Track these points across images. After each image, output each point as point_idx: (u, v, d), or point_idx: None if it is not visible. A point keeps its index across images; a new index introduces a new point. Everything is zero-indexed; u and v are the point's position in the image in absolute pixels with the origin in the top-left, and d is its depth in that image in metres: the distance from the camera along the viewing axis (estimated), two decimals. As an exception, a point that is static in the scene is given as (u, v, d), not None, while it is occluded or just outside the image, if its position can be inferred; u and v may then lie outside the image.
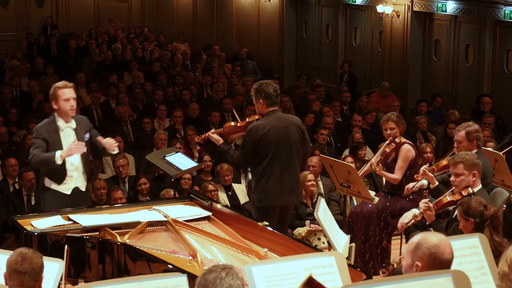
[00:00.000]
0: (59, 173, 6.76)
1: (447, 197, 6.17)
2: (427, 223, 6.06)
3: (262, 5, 18.39)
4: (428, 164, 7.78)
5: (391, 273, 5.49)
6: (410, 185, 7.28)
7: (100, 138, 6.93)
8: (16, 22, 19.60)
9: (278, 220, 6.81)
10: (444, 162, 7.14)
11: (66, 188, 6.81)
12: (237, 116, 7.29)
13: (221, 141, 7.01)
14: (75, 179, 6.84)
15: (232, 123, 7.10)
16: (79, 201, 6.80)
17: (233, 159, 6.97)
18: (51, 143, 6.73)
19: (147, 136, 11.04)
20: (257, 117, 6.86)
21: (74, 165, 6.82)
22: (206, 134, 7.08)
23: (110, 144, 6.87)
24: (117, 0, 21.10)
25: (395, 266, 5.18)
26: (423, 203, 6.11)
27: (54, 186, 6.79)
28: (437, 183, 6.91)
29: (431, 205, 5.99)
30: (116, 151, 7.01)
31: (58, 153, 6.63)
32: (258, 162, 6.77)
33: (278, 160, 6.72)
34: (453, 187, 6.22)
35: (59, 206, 6.62)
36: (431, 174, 6.94)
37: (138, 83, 14.33)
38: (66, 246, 5.18)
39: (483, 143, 7.07)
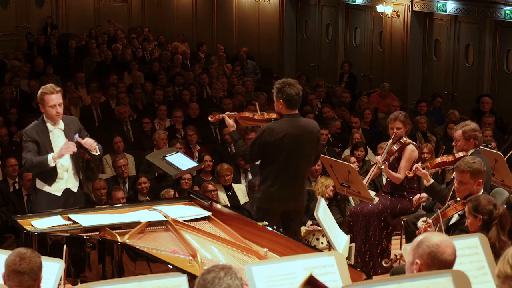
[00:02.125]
0: (50, 175, 6.74)
1: (453, 209, 6.10)
2: None
3: (262, 5, 18.39)
4: (420, 162, 7.77)
5: (393, 264, 5.47)
6: (417, 196, 7.31)
7: (79, 140, 6.79)
8: (16, 22, 19.60)
9: (283, 225, 6.77)
10: (438, 160, 7.12)
11: (56, 189, 6.78)
12: (257, 108, 7.08)
13: (234, 127, 6.86)
14: (65, 180, 6.81)
15: (248, 114, 6.90)
16: (71, 202, 6.78)
17: (240, 151, 6.83)
18: (41, 145, 6.71)
19: (147, 136, 11.04)
20: (275, 116, 6.69)
21: (64, 166, 6.79)
22: (222, 116, 6.93)
23: (89, 144, 6.78)
24: (117, 0, 21.10)
25: (397, 257, 5.17)
26: (422, 222, 6.03)
27: (45, 188, 6.77)
28: (431, 180, 6.89)
29: (429, 220, 5.93)
30: (98, 152, 6.87)
31: (50, 156, 6.62)
32: (267, 164, 6.64)
33: (287, 166, 6.58)
34: (456, 194, 6.16)
35: (51, 208, 6.59)
36: (424, 171, 6.94)
37: (138, 83, 14.33)
38: (65, 246, 5.18)
39: (481, 142, 7.04)
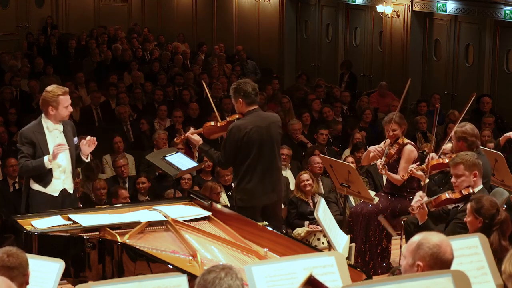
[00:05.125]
0: (45, 176, 6.66)
1: (446, 194, 6.11)
2: (419, 223, 6.02)
3: (262, 5, 18.39)
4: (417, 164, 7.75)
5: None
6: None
7: (80, 143, 6.79)
8: (16, 22, 19.59)
9: (267, 219, 6.77)
10: (434, 161, 7.12)
11: (53, 190, 6.71)
12: (217, 115, 7.14)
13: (200, 141, 6.93)
14: (63, 180, 6.75)
15: (212, 123, 7.00)
16: (67, 203, 6.72)
17: (214, 160, 6.92)
18: (37, 145, 6.65)
19: (146, 136, 11.05)
20: (237, 116, 6.81)
21: (62, 166, 6.73)
22: (185, 135, 7.02)
23: (92, 141, 6.73)
24: (117, 0, 21.09)
25: (395, 273, 5.17)
26: (417, 198, 6.05)
27: (41, 189, 6.68)
28: (427, 180, 6.89)
29: (424, 199, 5.94)
30: (88, 159, 6.88)
31: (45, 158, 6.58)
32: (240, 162, 6.72)
33: (260, 159, 6.69)
34: (454, 189, 6.18)
35: (47, 208, 6.52)
36: (419, 173, 6.94)
37: (138, 83, 14.33)
38: None
39: (478, 144, 7.02)
